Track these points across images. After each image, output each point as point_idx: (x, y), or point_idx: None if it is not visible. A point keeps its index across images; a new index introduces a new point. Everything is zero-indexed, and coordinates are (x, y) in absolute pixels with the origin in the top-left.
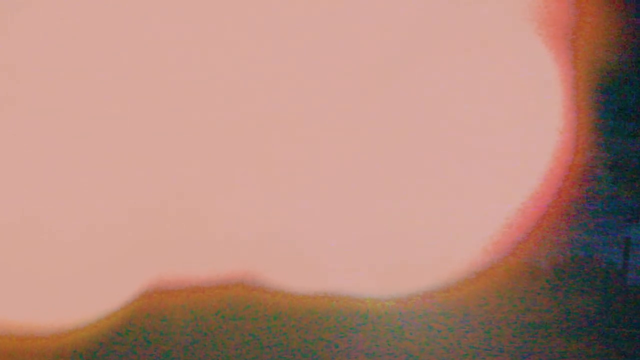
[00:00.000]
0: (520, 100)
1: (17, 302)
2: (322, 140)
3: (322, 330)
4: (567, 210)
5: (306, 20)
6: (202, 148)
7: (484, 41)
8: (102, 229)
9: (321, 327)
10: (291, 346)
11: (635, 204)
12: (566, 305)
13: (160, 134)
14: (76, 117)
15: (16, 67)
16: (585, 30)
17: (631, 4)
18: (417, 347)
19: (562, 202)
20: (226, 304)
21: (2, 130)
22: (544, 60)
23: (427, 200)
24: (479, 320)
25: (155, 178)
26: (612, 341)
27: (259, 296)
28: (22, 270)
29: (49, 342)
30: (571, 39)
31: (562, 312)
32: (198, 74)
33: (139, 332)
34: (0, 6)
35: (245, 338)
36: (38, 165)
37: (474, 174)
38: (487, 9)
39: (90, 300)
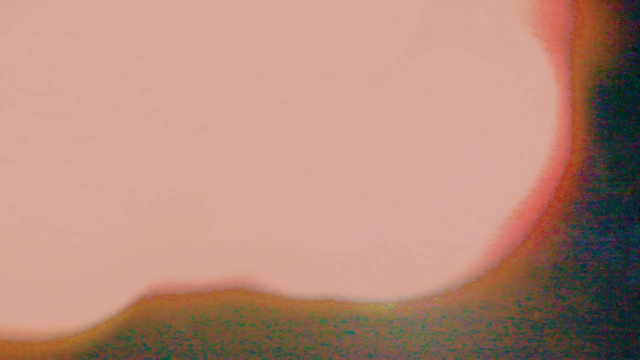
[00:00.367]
0: (518, 101)
1: (13, 306)
2: (322, 142)
3: (322, 334)
4: (566, 210)
5: (305, 20)
6: (201, 150)
7: (480, 41)
8: (101, 231)
9: (322, 331)
10: (291, 351)
11: (636, 203)
12: (566, 305)
13: (159, 135)
14: (76, 118)
15: (16, 67)
16: (585, 30)
17: (631, 3)
18: (419, 350)
19: (561, 201)
20: (225, 309)
21: (2, 130)
22: (542, 60)
23: (427, 201)
24: (481, 322)
25: (154, 180)
26: (613, 341)
27: (259, 301)
28: (18, 274)
29: (46, 347)
30: (570, 38)
31: (562, 312)
32: (198, 74)
33: (138, 337)
34: (0, 6)
35: (245, 343)
36: (35, 166)
37: (472, 175)
38: (483, 9)
39: (88, 304)
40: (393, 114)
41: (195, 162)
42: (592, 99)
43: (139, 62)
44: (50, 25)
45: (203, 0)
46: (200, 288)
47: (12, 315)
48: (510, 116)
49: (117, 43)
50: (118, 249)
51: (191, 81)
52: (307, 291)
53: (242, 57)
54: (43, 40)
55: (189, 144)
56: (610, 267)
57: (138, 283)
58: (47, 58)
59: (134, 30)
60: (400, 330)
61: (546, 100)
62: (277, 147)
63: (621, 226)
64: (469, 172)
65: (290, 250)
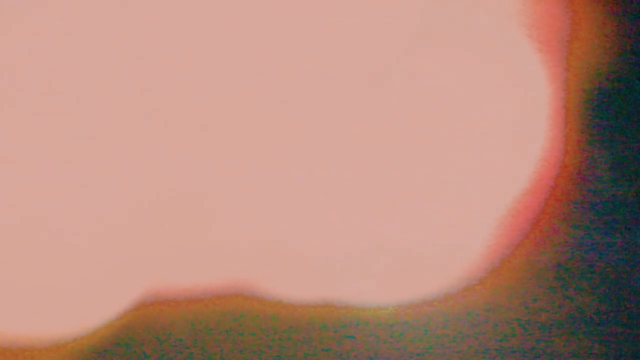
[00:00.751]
0: (515, 102)
1: (10, 311)
2: (322, 143)
3: (323, 340)
4: (570, 211)
5: (305, 19)
6: (201, 150)
7: (478, 42)
8: (100, 233)
9: (322, 337)
10: (292, 357)
11: (637, 204)
12: (573, 306)
13: (159, 135)
14: (76, 118)
15: (16, 67)
16: (583, 32)
17: (630, 5)
18: (422, 354)
19: (564, 202)
20: (225, 315)
21: (2, 130)
22: (538, 61)
23: (427, 203)
24: (486, 324)
25: (154, 180)
26: (621, 342)
27: (258, 306)
28: (15, 277)
29: (43, 353)
30: (567, 39)
31: (569, 313)
32: (199, 74)
33: (136, 343)
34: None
35: (244, 349)
36: (35, 166)
37: (472, 175)
38: (480, 10)
39: (86, 309)
40: (392, 115)
41: (195, 163)
42: (594, 100)
43: (139, 62)
44: (50, 25)
45: (203, 0)
46: (199, 293)
47: (9, 321)
48: (507, 117)
49: (117, 43)
50: (117, 251)
51: (191, 81)
52: (307, 296)
53: (241, 58)
54: (43, 40)
55: (189, 144)
56: (616, 268)
57: (137, 287)
58: (47, 58)
59: (133, 30)
60: (403, 334)
61: (543, 101)
62: (276, 148)
63: (627, 227)
64: (468, 173)
65: (290, 254)
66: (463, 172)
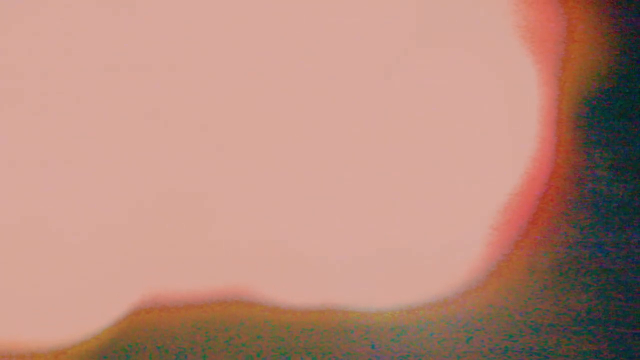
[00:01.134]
0: (511, 102)
1: (6, 318)
2: (321, 146)
3: (324, 346)
4: (565, 211)
5: (304, 20)
6: (201, 151)
7: (472, 42)
8: (99, 235)
9: (323, 342)
10: None
11: (635, 204)
12: (567, 306)
13: (159, 135)
14: (76, 118)
15: (16, 67)
16: (580, 31)
17: (630, 3)
18: (422, 355)
19: (559, 202)
20: (224, 321)
21: (1, 130)
22: (534, 61)
23: (426, 205)
24: (482, 323)
25: (154, 181)
26: (614, 341)
27: (257, 312)
28: (9, 284)
29: None
30: (564, 40)
31: (562, 313)
32: (199, 74)
33: (134, 348)
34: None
35: (244, 355)
36: (34, 166)
37: (469, 177)
38: (475, 10)
39: (83, 315)
40: (391, 116)
41: (195, 163)
42: (592, 100)
43: (138, 62)
44: (50, 25)
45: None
46: (198, 298)
47: (7, 327)
48: (503, 117)
49: (117, 43)
50: (117, 253)
51: (191, 81)
52: (307, 300)
53: (240, 58)
54: (43, 40)
55: (189, 144)
56: (615, 267)
57: (135, 292)
58: (47, 58)
59: (133, 30)
60: (403, 338)
61: (538, 101)
62: (276, 149)
63: (625, 227)
64: (466, 175)
65: (289, 256)
66: (461, 173)
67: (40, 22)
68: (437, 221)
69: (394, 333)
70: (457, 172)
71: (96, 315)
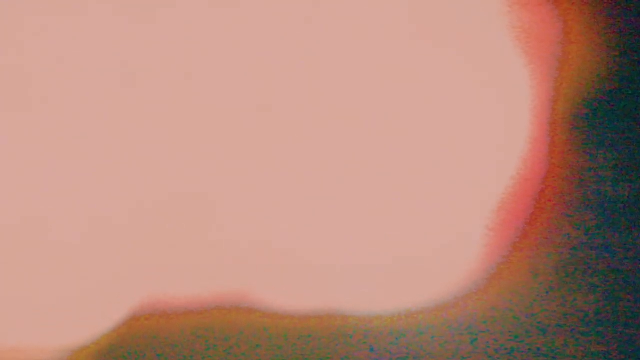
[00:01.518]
0: (507, 102)
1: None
2: (321, 146)
3: (323, 351)
4: (568, 211)
5: (302, 20)
6: (200, 153)
7: (468, 42)
8: (97, 237)
9: (323, 348)
10: None
11: (635, 204)
12: (570, 306)
13: (159, 135)
14: (76, 118)
15: (16, 67)
16: (578, 31)
17: (630, 3)
18: (422, 357)
19: (563, 202)
20: (224, 326)
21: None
22: (530, 63)
23: (424, 208)
24: (483, 324)
25: (153, 183)
26: (620, 342)
27: (257, 319)
28: (5, 289)
29: None
30: (562, 39)
31: (568, 314)
32: (199, 75)
33: (132, 355)
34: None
35: None
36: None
37: (468, 178)
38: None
39: (81, 321)
40: (385, 118)
41: (195, 164)
42: (593, 101)
43: (138, 61)
44: (50, 25)
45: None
46: (198, 304)
47: (3, 334)
48: (496, 118)
49: (117, 42)
50: (116, 255)
51: (191, 81)
52: (307, 305)
53: (240, 58)
54: (42, 40)
55: (189, 144)
56: (616, 268)
57: (134, 297)
58: (47, 58)
59: (133, 29)
60: (403, 342)
61: (533, 102)
62: (274, 151)
63: (627, 227)
64: (464, 176)
65: (289, 259)
66: (455, 174)
67: (40, 22)
68: (437, 224)
69: (394, 337)
70: (450, 173)
71: (94, 321)
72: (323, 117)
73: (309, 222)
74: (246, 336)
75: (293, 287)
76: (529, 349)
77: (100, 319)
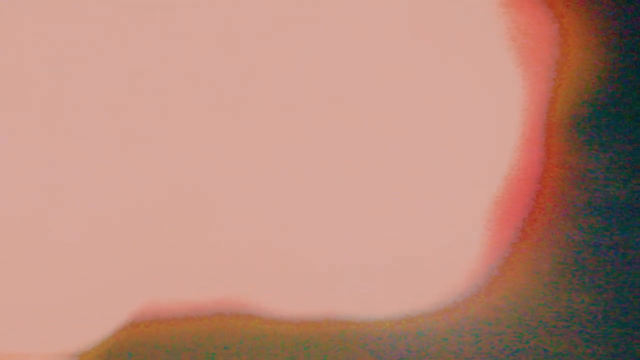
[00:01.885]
0: (501, 105)
1: None
2: (320, 147)
3: (324, 357)
4: (567, 211)
5: (301, 20)
6: (200, 153)
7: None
8: (96, 238)
9: (323, 354)
10: None
11: (635, 204)
12: (569, 306)
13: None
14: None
15: (16, 67)
16: (576, 32)
17: (627, 4)
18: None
19: (559, 203)
20: (222, 332)
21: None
22: (528, 65)
23: (423, 209)
24: (483, 324)
25: (153, 183)
26: (616, 342)
27: (257, 325)
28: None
29: None
30: (560, 40)
31: (566, 313)
32: (199, 74)
33: None
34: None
35: None
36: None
37: (466, 179)
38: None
39: (79, 327)
40: (381, 118)
41: (195, 164)
42: (591, 102)
43: (138, 61)
44: (50, 25)
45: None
46: (197, 310)
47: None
48: (490, 120)
49: (117, 42)
50: (114, 256)
51: (191, 81)
52: (307, 310)
53: (240, 58)
54: (42, 40)
55: (189, 144)
56: (615, 268)
57: (133, 302)
58: (47, 57)
59: (133, 29)
60: (404, 346)
61: (529, 104)
62: (273, 152)
63: (626, 227)
64: (463, 177)
65: (289, 262)
66: (459, 175)
67: (40, 22)
68: (434, 224)
69: (395, 341)
70: (449, 173)
71: (94, 326)
72: (322, 117)
73: (308, 222)
74: (246, 342)
75: (293, 290)
76: (530, 350)
77: (100, 325)
